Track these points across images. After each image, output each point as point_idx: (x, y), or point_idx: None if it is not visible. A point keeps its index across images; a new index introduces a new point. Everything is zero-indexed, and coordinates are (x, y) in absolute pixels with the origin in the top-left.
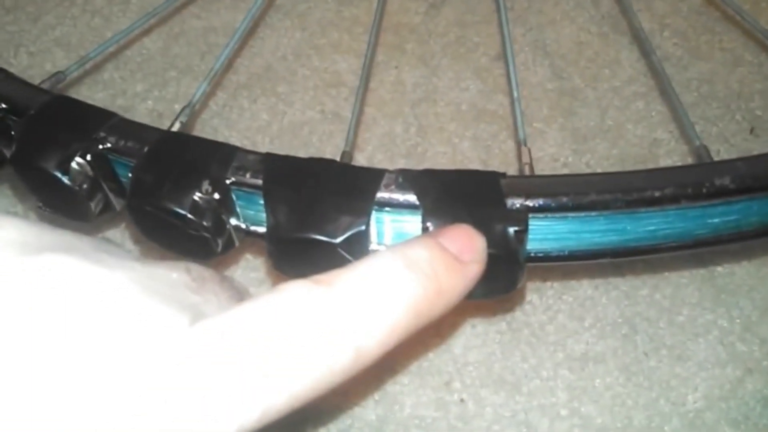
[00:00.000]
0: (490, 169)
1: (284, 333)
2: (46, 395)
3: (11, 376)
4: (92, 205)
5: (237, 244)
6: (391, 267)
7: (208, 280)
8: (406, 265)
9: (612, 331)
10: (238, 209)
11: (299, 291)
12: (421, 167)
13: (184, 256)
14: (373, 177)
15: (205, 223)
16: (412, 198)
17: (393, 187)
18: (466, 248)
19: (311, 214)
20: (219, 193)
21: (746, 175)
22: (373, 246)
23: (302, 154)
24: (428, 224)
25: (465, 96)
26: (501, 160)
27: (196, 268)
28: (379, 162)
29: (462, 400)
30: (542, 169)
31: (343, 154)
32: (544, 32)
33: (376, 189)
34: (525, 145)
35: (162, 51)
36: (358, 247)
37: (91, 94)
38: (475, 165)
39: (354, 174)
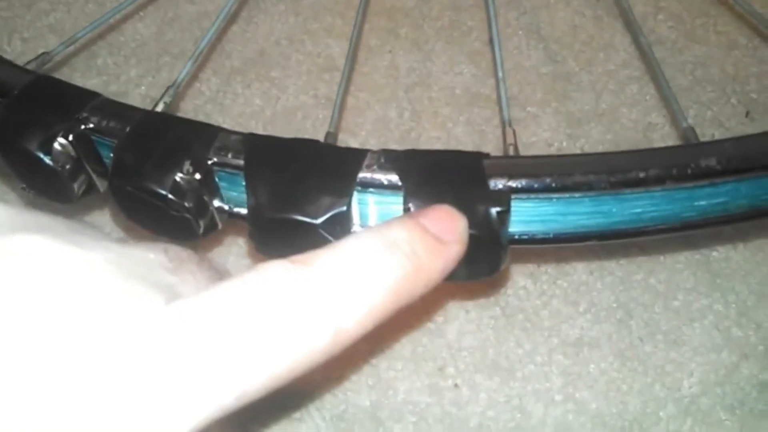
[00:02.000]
0: (517, 144)
1: (262, 313)
2: (12, 376)
3: None
4: (75, 186)
5: (220, 226)
6: (370, 247)
7: (186, 260)
8: (386, 245)
9: (607, 317)
10: (221, 190)
11: (277, 271)
12: None
13: (166, 238)
14: (355, 157)
15: (186, 204)
16: (394, 178)
17: (375, 167)
18: (446, 228)
19: (292, 194)
20: (200, 174)
21: (733, 156)
22: (355, 227)
23: None
24: (410, 205)
25: (459, 80)
26: (495, 144)
27: (174, 249)
28: (373, 147)
29: (456, 386)
30: (536, 154)
31: (328, 134)
32: (538, 15)
33: (357, 169)
34: (510, 125)
35: (155, 36)
36: (339, 228)
37: (85, 80)
38: (469, 149)
39: (336, 154)
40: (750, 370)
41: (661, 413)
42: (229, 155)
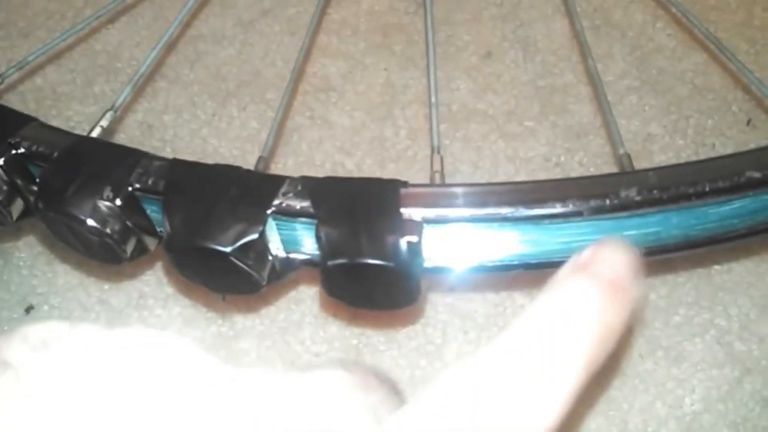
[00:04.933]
0: (480, 171)
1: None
2: None
3: None
4: (11, 210)
5: (151, 250)
6: (553, 323)
7: (368, 375)
8: (568, 316)
9: None
10: (149, 215)
11: (460, 379)
12: (411, 171)
13: (94, 261)
14: (272, 184)
15: (106, 230)
16: (308, 206)
17: (291, 194)
18: (620, 269)
19: (205, 221)
20: (121, 200)
21: (654, 187)
22: (279, 252)
23: (291, 161)
24: (321, 234)
25: (455, 96)
26: (492, 161)
27: (353, 366)
28: (369, 168)
29: None
30: (533, 169)
31: (259, 159)
32: (534, 28)
33: (272, 197)
34: (438, 152)
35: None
36: (254, 255)
37: (83, 108)
38: (466, 166)
39: (254, 181)
40: (753, 385)
41: (662, 431)
42: (151, 181)
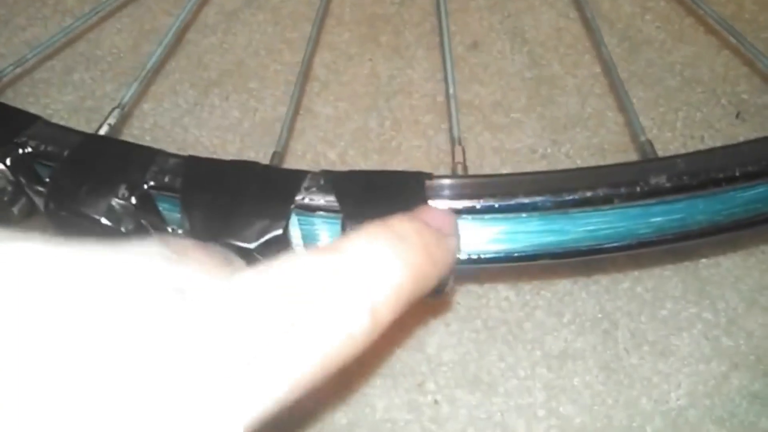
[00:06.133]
0: (465, 163)
1: (305, 296)
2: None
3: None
4: (15, 209)
5: None
6: (385, 238)
7: (190, 248)
8: (399, 237)
9: (591, 327)
10: (162, 213)
11: (306, 258)
12: (395, 162)
13: None
14: (293, 179)
15: (122, 229)
16: (333, 200)
17: (314, 189)
18: (443, 224)
19: (227, 218)
20: (137, 198)
21: (684, 173)
22: (299, 248)
23: (271, 152)
24: (348, 228)
25: (440, 87)
26: (477, 152)
27: (173, 240)
28: (352, 158)
29: (436, 402)
30: (519, 161)
31: (274, 155)
32: (522, 19)
33: (294, 192)
34: (459, 144)
35: (132, 49)
36: (277, 251)
37: (61, 95)
38: (451, 158)
39: (274, 177)
40: (740, 380)
41: (647, 427)
42: (167, 179)
